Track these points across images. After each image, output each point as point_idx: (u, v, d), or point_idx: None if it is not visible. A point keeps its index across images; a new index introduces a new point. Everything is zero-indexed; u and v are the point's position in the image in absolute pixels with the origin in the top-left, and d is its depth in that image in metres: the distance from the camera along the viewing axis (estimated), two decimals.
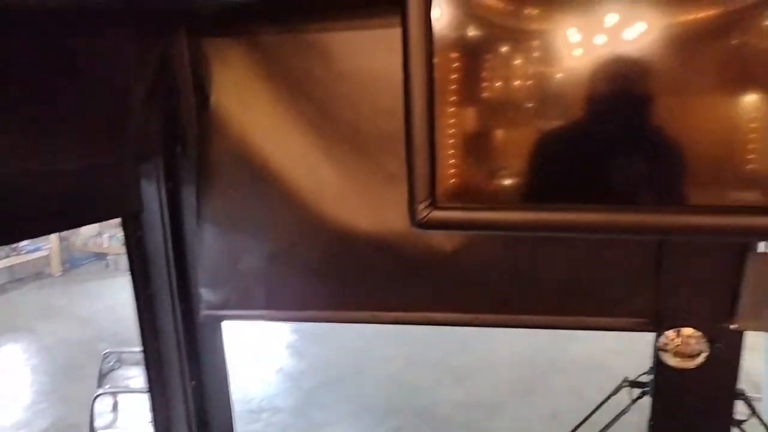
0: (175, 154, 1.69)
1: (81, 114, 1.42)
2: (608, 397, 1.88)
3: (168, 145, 1.67)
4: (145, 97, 1.58)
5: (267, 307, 1.74)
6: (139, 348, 1.87)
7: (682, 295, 1.44)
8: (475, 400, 5.25)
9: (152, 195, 1.72)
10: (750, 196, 1.06)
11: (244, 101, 1.59)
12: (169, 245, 1.75)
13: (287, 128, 1.57)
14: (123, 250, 2.01)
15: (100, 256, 9.91)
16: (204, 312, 1.75)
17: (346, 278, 1.64)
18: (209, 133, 1.62)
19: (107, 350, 5.45)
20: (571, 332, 3.00)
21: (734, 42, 1.02)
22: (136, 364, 5.13)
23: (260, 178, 1.61)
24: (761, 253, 1.33)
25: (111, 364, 5.53)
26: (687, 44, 1.04)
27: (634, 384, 1.76)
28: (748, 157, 1.05)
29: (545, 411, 5.01)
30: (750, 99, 1.05)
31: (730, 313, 1.38)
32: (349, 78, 1.52)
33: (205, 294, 1.74)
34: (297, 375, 5.93)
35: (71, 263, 9.79)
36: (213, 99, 1.61)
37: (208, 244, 1.72)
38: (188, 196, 1.72)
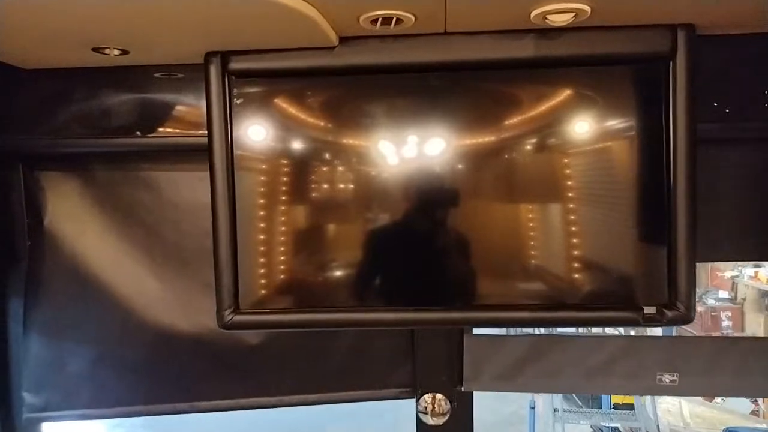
0: (4, 270, 1.86)
1: None
2: None
3: None
4: None
5: (90, 406, 1.92)
6: None
7: (430, 368, 1.94)
8: None
9: None
10: (533, 287, 1.53)
11: (77, 225, 1.85)
12: None
13: (117, 247, 1.86)
14: None
15: None
16: (26, 415, 1.88)
17: (166, 374, 1.91)
18: (41, 252, 1.85)
19: None
20: None
21: (510, 160, 1.50)
22: None
23: (89, 290, 1.85)
24: (473, 335, 1.90)
25: None
26: (476, 160, 1.50)
27: None
28: (531, 253, 1.52)
29: None
30: (528, 206, 1.52)
31: (461, 379, 1.92)
32: (174, 206, 1.88)
33: (28, 397, 1.88)
34: None
35: None
36: (47, 222, 1.85)
37: (34, 351, 1.88)
38: (15, 308, 1.88)
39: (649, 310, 1.49)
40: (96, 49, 1.47)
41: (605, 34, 1.41)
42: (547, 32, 1.40)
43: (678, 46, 1.41)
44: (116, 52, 1.48)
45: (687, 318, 1.47)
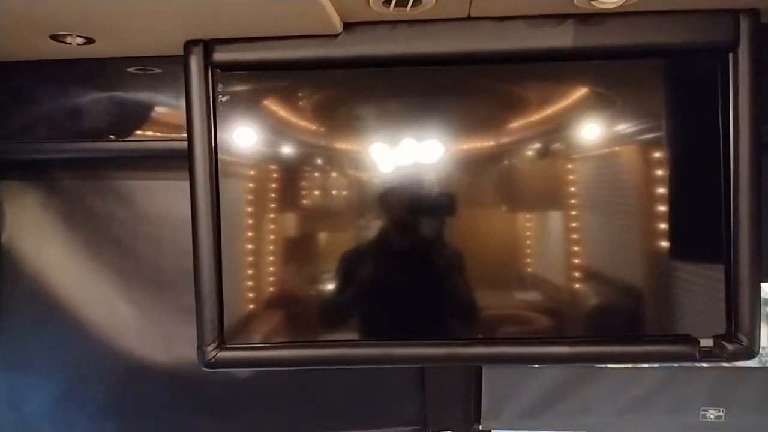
0: None
1: None
2: None
3: None
4: None
5: None
6: None
7: (442, 403, 1.73)
8: None
9: None
10: (530, 296, 1.34)
11: (40, 242, 1.65)
12: None
13: (85, 267, 1.64)
14: None
15: None
16: None
17: (140, 413, 1.70)
18: None
19: None
20: None
21: (509, 166, 1.32)
22: None
23: (53, 317, 1.65)
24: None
25: None
26: (492, 167, 1.33)
27: None
28: (527, 261, 1.34)
29: None
30: (526, 214, 1.35)
31: (478, 417, 1.70)
32: (151, 220, 1.67)
33: None
34: None
35: None
36: (4, 239, 1.65)
37: None
38: None
39: (706, 343, 1.28)
40: (55, 37, 1.25)
41: (657, 20, 1.22)
42: (590, 18, 1.20)
43: (741, 35, 1.21)
44: (79, 40, 1.26)
45: (750, 352, 1.26)
